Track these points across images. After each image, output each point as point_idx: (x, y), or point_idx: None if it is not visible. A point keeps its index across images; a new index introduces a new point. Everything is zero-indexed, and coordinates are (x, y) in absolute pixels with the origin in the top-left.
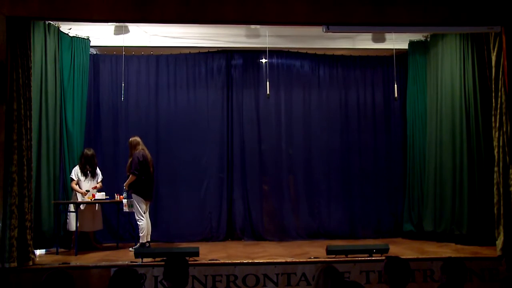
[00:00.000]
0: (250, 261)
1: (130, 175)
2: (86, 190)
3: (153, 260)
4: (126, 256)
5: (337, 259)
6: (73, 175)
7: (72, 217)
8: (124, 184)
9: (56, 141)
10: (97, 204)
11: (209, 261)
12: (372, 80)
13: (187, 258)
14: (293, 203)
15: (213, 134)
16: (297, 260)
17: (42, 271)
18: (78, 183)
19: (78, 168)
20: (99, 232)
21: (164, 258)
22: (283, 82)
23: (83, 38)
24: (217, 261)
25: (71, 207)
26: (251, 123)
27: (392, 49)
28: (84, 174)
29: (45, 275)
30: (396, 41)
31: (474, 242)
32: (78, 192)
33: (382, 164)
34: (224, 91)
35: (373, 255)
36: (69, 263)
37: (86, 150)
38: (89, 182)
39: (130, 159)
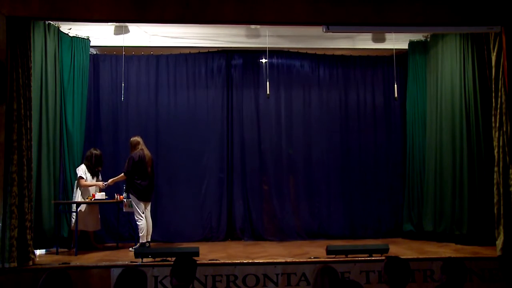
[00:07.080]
0: (250, 261)
1: (122, 173)
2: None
3: (153, 260)
4: (126, 256)
5: (337, 259)
6: (82, 174)
7: (78, 216)
8: (110, 179)
9: (56, 141)
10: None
11: (209, 261)
12: (372, 80)
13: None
14: (293, 203)
15: (213, 134)
16: (297, 260)
17: (42, 271)
18: None
19: (85, 167)
20: (99, 232)
21: (166, 258)
22: (283, 82)
23: (83, 38)
24: (217, 261)
25: (74, 207)
26: (251, 123)
27: (392, 49)
28: (94, 173)
29: (44, 275)
30: (396, 41)
31: (474, 242)
32: (92, 186)
33: (382, 164)
34: (224, 91)
35: (373, 255)
36: (69, 263)
37: (94, 151)
38: (94, 181)
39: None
